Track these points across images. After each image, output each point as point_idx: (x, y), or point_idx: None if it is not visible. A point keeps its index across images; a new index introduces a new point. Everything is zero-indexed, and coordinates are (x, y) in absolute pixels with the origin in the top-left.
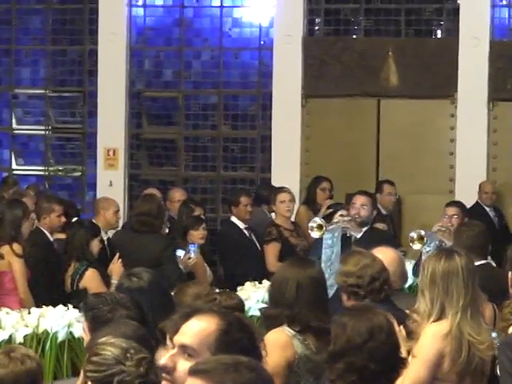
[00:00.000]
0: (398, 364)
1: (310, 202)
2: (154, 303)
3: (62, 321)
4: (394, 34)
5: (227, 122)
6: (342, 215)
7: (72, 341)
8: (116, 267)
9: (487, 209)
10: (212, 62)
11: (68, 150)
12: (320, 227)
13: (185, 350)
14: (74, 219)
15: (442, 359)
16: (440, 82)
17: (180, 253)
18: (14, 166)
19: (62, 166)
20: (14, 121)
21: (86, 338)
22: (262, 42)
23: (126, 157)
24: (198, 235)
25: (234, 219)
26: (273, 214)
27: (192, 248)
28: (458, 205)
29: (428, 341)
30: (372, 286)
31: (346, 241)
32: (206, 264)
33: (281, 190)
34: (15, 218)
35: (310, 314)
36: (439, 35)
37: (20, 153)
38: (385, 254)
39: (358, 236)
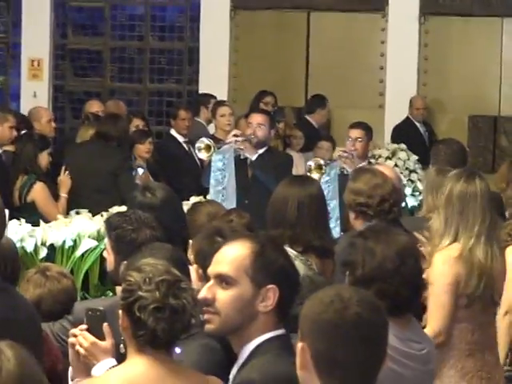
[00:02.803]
0: (422, 288)
1: None
2: (164, 222)
3: (16, 236)
4: None
5: (154, 33)
6: (235, 135)
7: (24, 255)
8: (64, 180)
9: (417, 124)
10: None
11: None
12: (208, 148)
13: (222, 278)
14: (23, 132)
15: (457, 282)
16: None
17: (140, 171)
18: None
19: None
20: None
21: (110, 257)
22: None
23: (51, 67)
24: (144, 149)
25: (173, 132)
26: (211, 127)
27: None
28: (363, 127)
29: (441, 267)
30: (382, 206)
31: (240, 164)
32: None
33: (221, 103)
34: None
35: (312, 234)
36: None
37: None
38: (383, 172)
39: (253, 158)
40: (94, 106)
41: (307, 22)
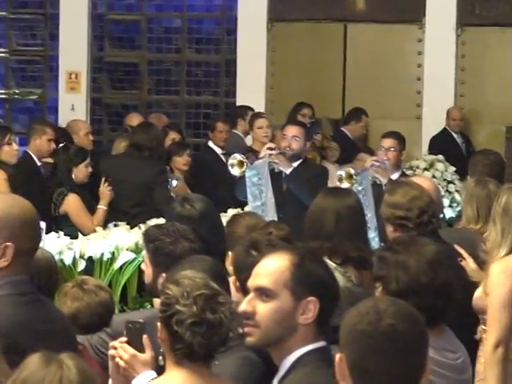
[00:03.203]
0: (455, 296)
1: None
2: (202, 234)
3: (54, 248)
4: None
5: (191, 45)
6: (269, 148)
7: (63, 268)
8: (103, 192)
9: (455, 135)
10: None
11: (29, 73)
12: (241, 164)
13: (261, 291)
14: (61, 145)
15: None
16: (408, 6)
17: (174, 182)
18: None
19: (22, 89)
20: None
21: (148, 270)
22: None
23: (88, 80)
24: (181, 161)
25: (210, 144)
26: (248, 139)
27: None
28: (396, 136)
29: (497, 278)
30: (421, 218)
31: (275, 177)
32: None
33: (258, 115)
34: None
35: (350, 245)
36: None
37: None
38: (421, 184)
39: (288, 171)
40: (134, 119)
41: (344, 33)
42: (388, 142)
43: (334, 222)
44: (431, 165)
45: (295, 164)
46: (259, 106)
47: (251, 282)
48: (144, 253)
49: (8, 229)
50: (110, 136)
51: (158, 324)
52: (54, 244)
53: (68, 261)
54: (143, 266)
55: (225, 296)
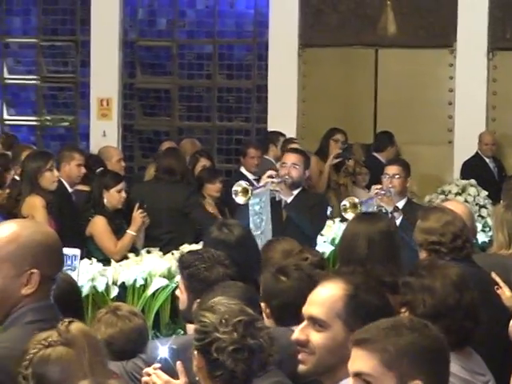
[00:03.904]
0: (482, 318)
1: (322, 152)
2: (237, 259)
3: (87, 275)
4: None
5: (222, 71)
6: (270, 176)
7: (95, 295)
8: (135, 218)
9: (487, 160)
10: (207, 11)
11: (60, 99)
12: (245, 191)
13: (314, 321)
14: (99, 170)
15: None
16: (439, 31)
17: None
18: (5, 116)
19: (54, 116)
20: (5, 70)
21: (182, 296)
22: None
23: (120, 107)
24: (214, 188)
25: (242, 170)
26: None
27: None
28: (400, 163)
29: None
30: (454, 243)
31: (274, 205)
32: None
33: (290, 141)
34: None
35: (383, 270)
36: None
37: (11, 103)
38: (455, 208)
39: (289, 200)
40: (167, 146)
41: (375, 58)
42: (393, 169)
43: (366, 247)
44: (463, 189)
45: (295, 192)
46: (290, 131)
47: (305, 310)
48: (179, 279)
49: (32, 255)
50: (141, 162)
51: (195, 352)
52: (87, 270)
53: (101, 287)
54: (178, 292)
55: (262, 321)
